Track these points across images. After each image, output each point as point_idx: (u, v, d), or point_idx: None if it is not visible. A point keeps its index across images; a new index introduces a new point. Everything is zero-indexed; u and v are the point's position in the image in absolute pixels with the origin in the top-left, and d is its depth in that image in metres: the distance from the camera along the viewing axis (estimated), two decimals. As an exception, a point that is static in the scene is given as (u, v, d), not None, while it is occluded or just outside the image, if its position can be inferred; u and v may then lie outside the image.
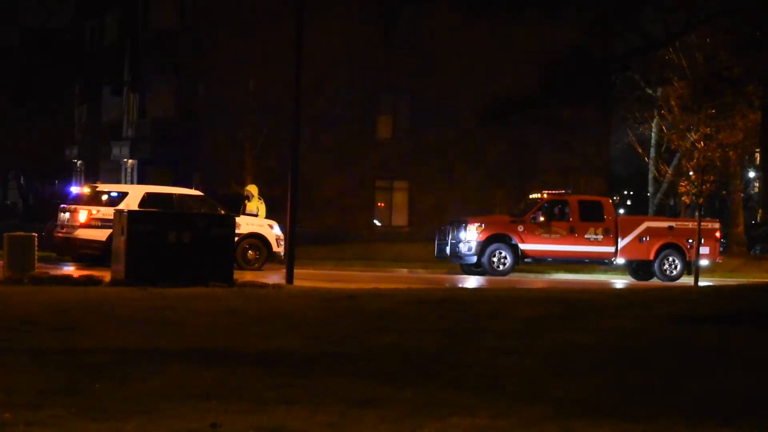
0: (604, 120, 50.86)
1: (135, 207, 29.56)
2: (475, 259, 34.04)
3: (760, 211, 69.73)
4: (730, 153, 34.75)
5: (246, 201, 35.20)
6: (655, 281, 34.21)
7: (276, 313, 16.69)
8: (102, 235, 29.59)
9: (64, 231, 31.09)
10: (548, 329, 15.29)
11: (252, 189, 35.80)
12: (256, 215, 33.74)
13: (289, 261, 25.06)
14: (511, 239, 34.16)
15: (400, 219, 50.84)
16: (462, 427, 8.86)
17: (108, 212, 28.78)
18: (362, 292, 20.91)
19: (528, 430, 8.88)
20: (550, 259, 35.07)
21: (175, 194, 32.18)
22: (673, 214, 59.85)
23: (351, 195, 49.67)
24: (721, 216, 50.61)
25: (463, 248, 34.18)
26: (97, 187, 32.97)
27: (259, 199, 35.03)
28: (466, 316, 16.82)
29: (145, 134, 53.92)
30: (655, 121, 46.46)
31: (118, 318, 15.50)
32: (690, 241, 34.41)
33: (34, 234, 24.64)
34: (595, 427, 9.00)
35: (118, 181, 54.40)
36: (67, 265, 30.56)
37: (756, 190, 73.77)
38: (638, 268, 35.24)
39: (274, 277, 26.38)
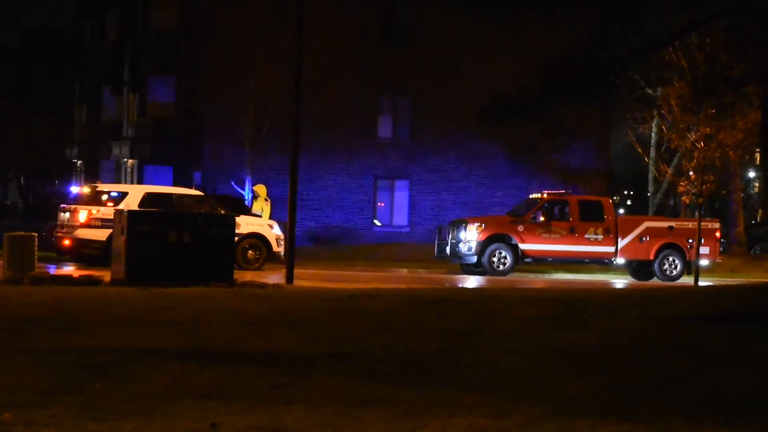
0: (604, 120, 50.82)
1: (135, 207, 29.57)
2: (475, 259, 34.03)
3: (760, 211, 69.70)
4: (730, 153, 34.74)
5: (254, 200, 35.24)
6: (655, 281, 34.20)
7: (276, 313, 16.68)
8: (102, 235, 29.60)
9: (64, 231, 31.10)
10: (548, 329, 15.29)
11: (259, 189, 35.77)
12: (260, 216, 33.74)
13: (289, 261, 25.06)
14: (511, 239, 34.16)
15: (400, 219, 50.82)
16: (462, 427, 8.86)
17: (108, 212, 28.79)
18: (362, 292, 20.90)
19: (528, 430, 8.88)
20: (550, 259, 35.07)
21: (175, 194, 32.19)
22: (673, 214, 59.85)
23: (351, 195, 49.66)
24: (721, 216, 50.59)
25: (463, 248, 34.18)
26: (97, 187, 32.97)
27: (266, 200, 35.02)
28: (466, 316, 16.82)
29: (145, 134, 53.92)
30: (655, 121, 46.48)
31: (118, 318, 15.50)
32: (690, 241, 34.41)
33: (34, 234, 24.64)
34: (595, 427, 9.00)
35: (118, 181, 54.43)
36: (67, 265, 30.56)
37: (756, 190, 73.77)
38: (638, 268, 35.24)
39: (274, 277, 26.38)
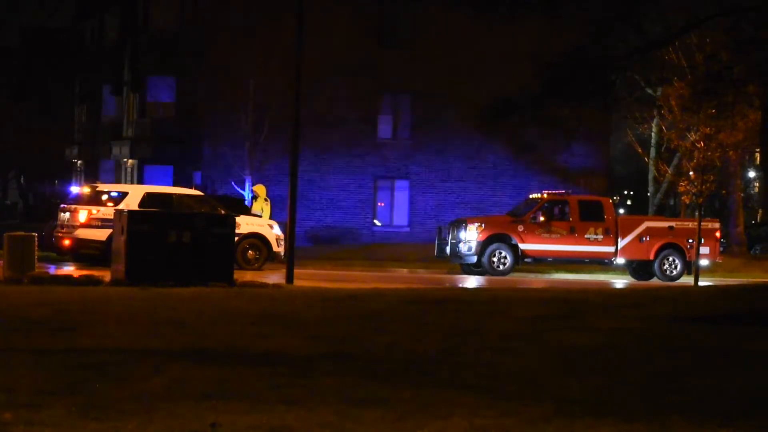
0: (604, 120, 50.81)
1: (135, 207, 29.58)
2: (475, 259, 34.04)
3: (760, 211, 69.71)
4: (730, 153, 34.73)
5: (254, 200, 35.23)
6: (655, 281, 34.20)
7: (276, 313, 16.69)
8: (102, 235, 29.61)
9: (64, 231, 31.10)
10: (548, 329, 15.29)
11: (258, 189, 35.73)
12: (260, 216, 33.73)
13: (289, 261, 25.07)
14: (511, 239, 34.16)
15: (400, 219, 50.82)
16: (462, 427, 8.86)
17: (108, 212, 28.80)
18: (362, 292, 20.91)
19: (528, 430, 8.88)
20: (550, 259, 35.07)
21: (175, 194, 32.20)
22: (673, 214, 59.85)
23: (351, 195, 49.67)
24: (721, 216, 50.57)
25: (463, 248, 34.18)
26: (97, 187, 32.98)
27: (265, 200, 35.00)
28: (466, 316, 16.83)
29: (145, 134, 53.90)
30: (655, 121, 46.45)
31: (118, 318, 15.50)
32: (690, 241, 34.41)
33: (34, 234, 24.65)
34: (595, 427, 9.00)
35: (118, 181, 54.40)
36: (67, 265, 30.56)
37: (756, 190, 73.76)
38: (638, 268, 35.23)
39: (274, 277, 26.39)
